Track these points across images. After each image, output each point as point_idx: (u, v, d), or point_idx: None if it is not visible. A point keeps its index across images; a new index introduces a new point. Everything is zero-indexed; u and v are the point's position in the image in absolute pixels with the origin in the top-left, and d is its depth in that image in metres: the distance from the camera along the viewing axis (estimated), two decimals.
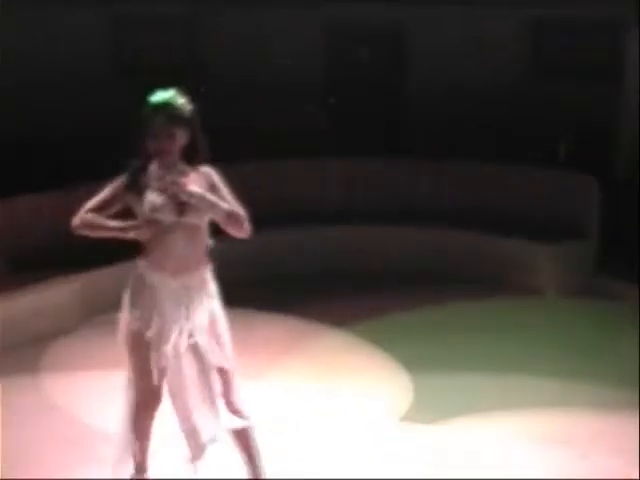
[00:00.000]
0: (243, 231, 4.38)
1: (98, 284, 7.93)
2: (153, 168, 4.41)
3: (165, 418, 4.60)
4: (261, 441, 4.59)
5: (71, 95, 10.43)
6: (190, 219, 4.35)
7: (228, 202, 4.39)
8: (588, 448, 5.51)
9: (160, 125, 4.31)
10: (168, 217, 4.34)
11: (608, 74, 10.43)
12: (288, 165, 9.75)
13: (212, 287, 4.51)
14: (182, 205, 4.32)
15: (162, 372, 4.47)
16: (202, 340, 4.42)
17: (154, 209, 4.35)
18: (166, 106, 4.34)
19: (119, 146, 9.87)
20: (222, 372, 4.45)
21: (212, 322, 4.46)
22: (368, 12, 11.59)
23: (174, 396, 4.56)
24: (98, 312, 7.82)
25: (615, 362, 6.94)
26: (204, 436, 4.51)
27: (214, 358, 4.42)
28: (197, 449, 4.56)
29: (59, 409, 6.21)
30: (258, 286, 8.43)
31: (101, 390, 6.42)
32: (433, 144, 10.59)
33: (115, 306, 7.76)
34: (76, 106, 10.36)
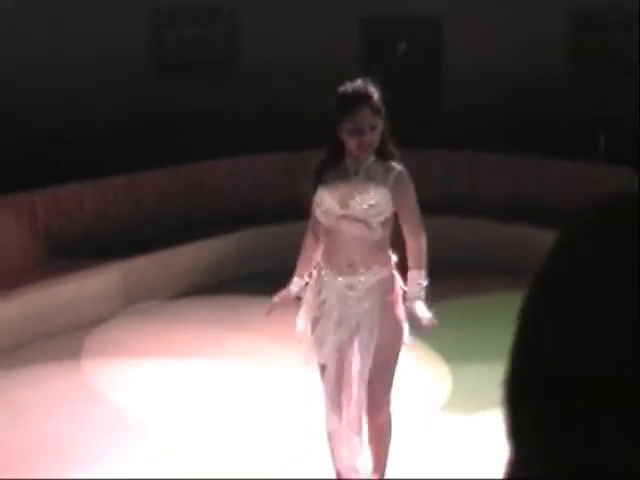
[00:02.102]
0: None
1: (138, 272, 8.04)
2: (344, 161, 4.31)
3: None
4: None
5: (112, 90, 10.51)
6: (354, 214, 4.20)
7: (407, 207, 4.31)
8: None
9: (365, 118, 4.17)
10: (332, 213, 4.25)
11: None
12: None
13: (390, 298, 4.33)
14: (345, 199, 4.22)
15: (325, 370, 4.40)
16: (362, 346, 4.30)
17: (318, 203, 4.27)
18: (369, 98, 4.21)
19: (157, 139, 10.00)
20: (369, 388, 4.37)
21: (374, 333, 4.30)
22: (407, 3, 11.61)
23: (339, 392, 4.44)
24: (138, 300, 7.96)
25: None
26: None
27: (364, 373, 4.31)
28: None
29: (98, 395, 6.29)
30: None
31: (137, 378, 6.54)
32: (471, 136, 10.57)
33: (154, 294, 7.96)
34: (118, 99, 10.43)
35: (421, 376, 6.59)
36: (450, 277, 8.53)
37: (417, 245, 4.38)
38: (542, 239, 8.42)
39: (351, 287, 4.30)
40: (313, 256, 4.52)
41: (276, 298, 4.58)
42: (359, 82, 4.28)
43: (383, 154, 4.30)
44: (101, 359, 6.91)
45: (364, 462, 4.52)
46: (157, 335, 7.32)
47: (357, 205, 4.21)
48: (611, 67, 10.83)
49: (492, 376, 5.82)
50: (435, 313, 4.38)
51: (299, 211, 8.60)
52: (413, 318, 4.32)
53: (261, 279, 8.48)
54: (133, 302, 7.91)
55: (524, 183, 9.52)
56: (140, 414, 5.99)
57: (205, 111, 11.05)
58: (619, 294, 0.78)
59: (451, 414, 5.96)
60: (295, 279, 4.55)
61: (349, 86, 4.27)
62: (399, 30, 12.11)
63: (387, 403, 4.46)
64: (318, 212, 4.30)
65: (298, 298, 4.52)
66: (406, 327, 4.36)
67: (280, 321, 7.40)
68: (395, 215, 4.34)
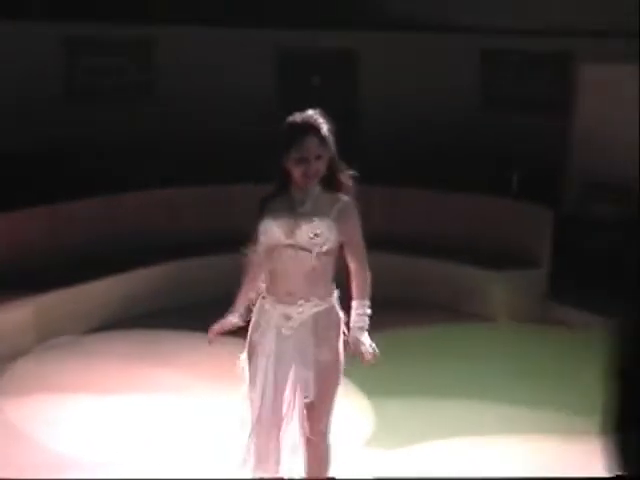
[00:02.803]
0: None
1: (52, 306, 7.89)
2: (289, 191, 4.32)
3: None
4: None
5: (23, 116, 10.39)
6: (299, 243, 4.23)
7: (352, 238, 4.32)
8: (547, 474, 5.60)
9: (311, 147, 4.20)
10: (277, 242, 4.26)
11: (558, 106, 10.67)
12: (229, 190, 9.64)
13: (331, 327, 4.35)
14: (290, 230, 4.24)
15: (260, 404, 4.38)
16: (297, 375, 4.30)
17: (263, 232, 4.28)
18: (316, 128, 4.24)
19: (64, 165, 9.88)
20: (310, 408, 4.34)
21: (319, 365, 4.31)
22: (320, 38, 11.73)
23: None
24: (52, 335, 7.80)
25: (571, 389, 7.06)
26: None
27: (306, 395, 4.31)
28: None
29: (19, 432, 6.13)
30: None
31: (59, 414, 6.40)
32: (385, 171, 10.69)
33: (68, 328, 7.81)
34: (29, 128, 10.31)
35: (343, 411, 6.60)
36: None
37: (361, 276, 4.41)
38: (458, 274, 8.62)
39: (288, 317, 4.32)
40: (254, 286, 4.53)
41: (216, 325, 4.55)
42: (309, 112, 4.31)
43: (331, 185, 4.33)
44: (20, 395, 6.74)
45: None
46: (76, 370, 7.20)
47: (302, 235, 4.23)
48: (524, 107, 11.11)
49: (414, 411, 5.93)
50: (376, 344, 4.39)
51: (215, 244, 8.67)
52: (356, 347, 4.33)
53: (175, 313, 8.45)
54: (47, 337, 7.75)
55: (438, 217, 9.64)
56: (64, 451, 5.85)
57: (118, 141, 10.97)
58: None
59: (375, 449, 5.98)
60: (234, 308, 4.56)
61: (298, 116, 4.30)
62: (313, 64, 12.22)
63: (325, 435, 4.45)
64: (263, 241, 4.31)
65: (241, 327, 4.50)
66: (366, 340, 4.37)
67: (201, 354, 7.41)
68: (339, 247, 4.37)
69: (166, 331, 8.05)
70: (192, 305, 8.41)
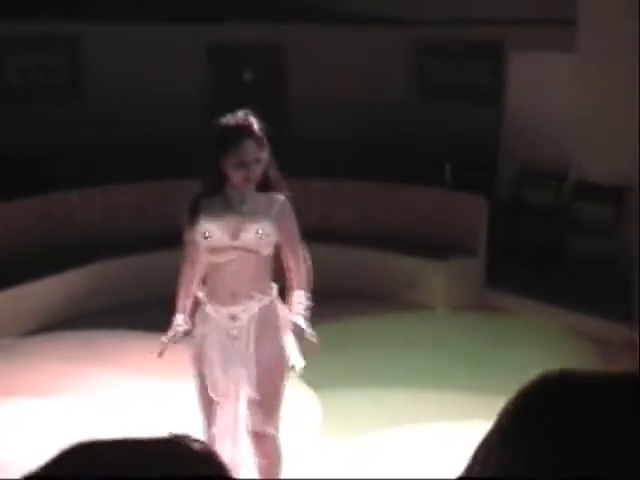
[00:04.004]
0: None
1: None
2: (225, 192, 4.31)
3: None
4: None
5: None
6: (245, 244, 4.23)
7: (290, 236, 4.36)
8: None
9: (250, 151, 4.18)
10: (222, 244, 4.25)
11: (492, 95, 10.79)
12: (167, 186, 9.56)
13: (274, 321, 4.36)
14: (235, 231, 4.23)
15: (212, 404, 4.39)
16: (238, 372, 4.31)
17: (205, 235, 4.26)
18: (252, 131, 4.21)
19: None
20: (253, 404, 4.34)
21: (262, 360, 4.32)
22: (250, 33, 11.71)
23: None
24: None
25: (509, 374, 7.13)
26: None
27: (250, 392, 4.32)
28: None
29: None
30: None
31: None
32: (321, 164, 10.72)
33: (5, 331, 7.70)
34: None
35: (291, 404, 6.62)
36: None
37: (301, 271, 4.45)
38: (397, 264, 8.67)
39: (234, 318, 4.31)
40: (193, 288, 4.51)
41: (164, 339, 4.51)
42: (240, 114, 4.29)
43: (265, 184, 4.34)
44: None
45: None
46: (17, 372, 7.09)
47: (248, 235, 4.23)
48: (456, 97, 11.21)
49: (361, 401, 5.96)
50: (319, 336, 4.43)
51: (152, 242, 8.62)
52: (297, 333, 4.36)
53: (115, 312, 8.37)
54: None
55: (375, 209, 9.68)
56: (4, 454, 5.77)
57: (48, 140, 10.85)
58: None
59: (324, 441, 6.01)
60: (178, 316, 4.52)
61: (231, 118, 4.28)
62: (244, 59, 12.20)
63: (273, 431, 4.46)
64: (204, 244, 4.28)
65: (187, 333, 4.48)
66: (295, 350, 4.38)
67: (142, 354, 7.37)
68: (276, 244, 4.39)
69: (106, 331, 7.98)
70: (132, 304, 8.35)
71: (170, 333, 4.49)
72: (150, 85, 11.68)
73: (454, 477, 1.23)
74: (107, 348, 7.60)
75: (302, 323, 4.39)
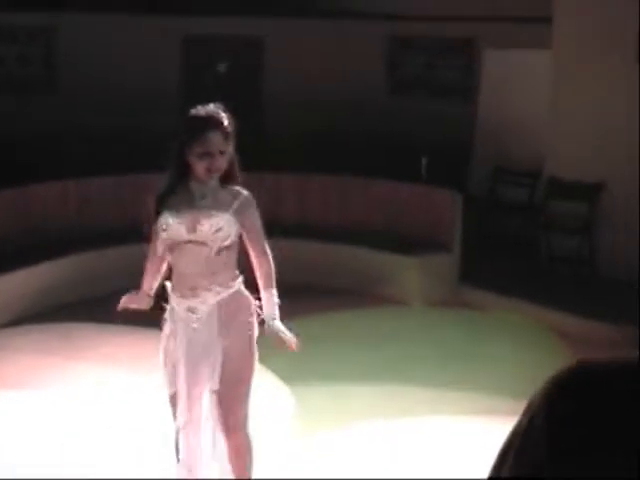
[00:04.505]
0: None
1: None
2: (188, 184, 4.33)
3: None
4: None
5: None
6: (201, 238, 4.24)
7: (253, 230, 4.37)
8: (464, 455, 5.70)
9: (216, 142, 4.21)
10: (178, 238, 4.28)
11: (465, 92, 10.84)
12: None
13: (238, 312, 4.36)
14: (192, 224, 4.25)
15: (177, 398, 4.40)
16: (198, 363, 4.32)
17: (163, 227, 4.29)
18: (220, 123, 4.24)
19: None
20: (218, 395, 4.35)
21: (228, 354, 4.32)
22: (227, 25, 11.70)
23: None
24: None
25: (486, 369, 7.20)
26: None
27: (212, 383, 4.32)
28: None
29: None
30: None
31: None
32: (294, 158, 10.74)
33: None
34: None
35: (262, 399, 6.63)
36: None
37: (265, 266, 4.46)
38: (371, 259, 8.69)
39: (193, 310, 4.33)
40: (156, 279, 4.57)
41: (126, 297, 4.63)
42: (210, 106, 4.33)
43: (228, 179, 4.37)
44: None
45: None
46: None
47: (204, 230, 4.26)
48: (430, 93, 11.24)
49: (334, 396, 5.98)
50: (292, 328, 4.45)
51: (128, 233, 8.59)
52: (278, 339, 4.37)
53: (89, 305, 8.34)
54: None
55: (348, 204, 9.70)
56: None
57: (23, 131, 10.81)
58: None
59: (297, 434, 6.03)
60: (141, 291, 4.63)
61: (201, 110, 4.31)
62: (220, 51, 12.19)
63: (242, 424, 4.47)
64: (164, 236, 4.32)
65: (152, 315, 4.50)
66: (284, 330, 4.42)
67: (117, 346, 7.37)
68: (240, 238, 4.40)
69: (80, 323, 7.97)
70: (106, 296, 8.30)
71: (131, 296, 4.65)
72: (126, 76, 11.66)
73: (455, 477, 1.31)
74: (82, 340, 7.60)
75: (281, 327, 4.41)
